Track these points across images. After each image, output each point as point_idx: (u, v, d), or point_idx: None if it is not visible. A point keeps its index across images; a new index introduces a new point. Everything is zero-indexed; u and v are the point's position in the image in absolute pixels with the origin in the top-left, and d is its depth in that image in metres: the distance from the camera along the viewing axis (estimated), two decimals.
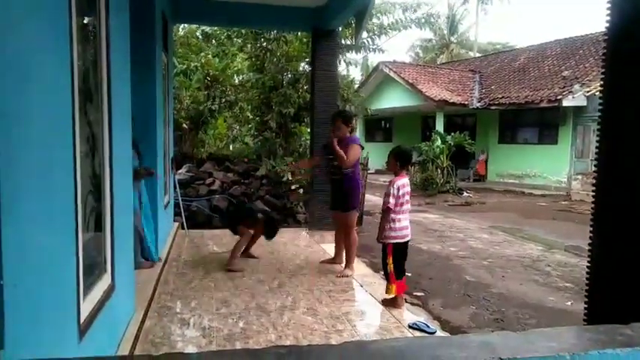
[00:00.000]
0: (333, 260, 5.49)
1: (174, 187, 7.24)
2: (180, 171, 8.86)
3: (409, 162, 4.48)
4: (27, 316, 1.51)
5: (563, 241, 7.81)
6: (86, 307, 2.23)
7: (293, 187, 9.35)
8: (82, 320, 2.13)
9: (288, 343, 3.31)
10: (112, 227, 2.79)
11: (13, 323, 1.35)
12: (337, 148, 4.99)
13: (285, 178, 9.17)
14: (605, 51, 1.56)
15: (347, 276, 5.00)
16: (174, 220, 7.32)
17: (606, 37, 1.55)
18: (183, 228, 7.10)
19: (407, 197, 4.21)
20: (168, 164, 6.66)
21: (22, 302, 1.46)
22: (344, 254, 5.33)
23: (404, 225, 4.19)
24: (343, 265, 5.28)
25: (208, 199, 8.35)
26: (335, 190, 5.30)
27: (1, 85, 1.35)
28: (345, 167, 5.02)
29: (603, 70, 1.57)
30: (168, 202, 6.63)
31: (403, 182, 4.21)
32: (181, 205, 7.24)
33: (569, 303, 4.88)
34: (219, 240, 6.63)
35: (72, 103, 2.03)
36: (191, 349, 3.22)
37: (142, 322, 3.55)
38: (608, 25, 1.54)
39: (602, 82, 1.58)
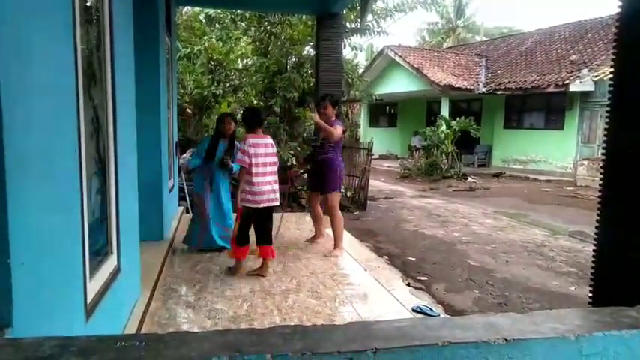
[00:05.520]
0: (314, 238, 5.70)
1: (178, 172, 7.25)
2: (184, 156, 8.86)
3: (256, 122, 4.32)
4: (34, 295, 1.52)
5: (568, 227, 7.80)
6: (92, 287, 2.26)
7: (297, 171, 9.33)
8: (88, 301, 2.15)
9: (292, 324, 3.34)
10: (117, 208, 2.80)
11: (21, 302, 1.37)
12: (321, 123, 5.09)
13: (289, 163, 9.16)
14: (616, 34, 1.53)
15: (336, 256, 5.10)
16: (178, 205, 7.35)
17: (619, 18, 1.52)
18: (187, 212, 7.13)
19: (261, 159, 4.13)
20: (173, 149, 6.66)
21: (30, 281, 1.47)
22: (323, 229, 5.63)
23: (260, 190, 4.13)
24: (325, 240, 5.54)
25: None
26: (315, 172, 5.39)
27: (6, 66, 1.34)
28: (333, 141, 5.11)
29: (614, 54, 1.54)
30: (173, 187, 6.64)
31: (256, 141, 4.11)
32: (185, 190, 7.26)
33: (573, 287, 4.88)
34: None
35: (76, 84, 2.02)
36: (196, 330, 3.26)
37: (148, 303, 3.59)
38: (620, 6, 1.50)
39: (612, 66, 1.55)
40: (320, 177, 5.28)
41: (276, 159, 4.40)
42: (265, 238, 4.41)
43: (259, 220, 4.36)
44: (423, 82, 18.20)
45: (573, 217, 8.68)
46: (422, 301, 4.06)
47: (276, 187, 4.35)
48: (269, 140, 4.37)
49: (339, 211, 5.34)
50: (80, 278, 2.06)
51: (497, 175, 13.74)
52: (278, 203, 4.43)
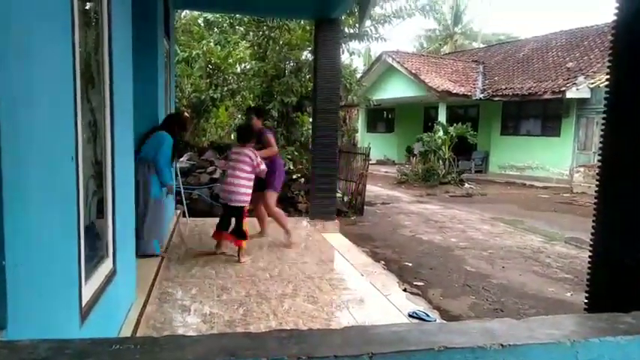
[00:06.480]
0: (260, 234, 6.04)
1: (176, 176, 7.23)
2: (181, 159, 8.85)
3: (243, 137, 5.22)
4: (28, 298, 1.51)
5: (564, 233, 7.82)
6: (88, 291, 2.24)
7: (294, 177, 9.34)
8: (83, 304, 2.14)
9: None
10: (113, 212, 2.79)
11: (15, 304, 1.36)
12: (265, 155, 5.42)
13: (286, 168, 9.16)
14: (612, 42, 1.54)
15: (291, 244, 5.56)
16: (175, 209, 7.33)
17: (615, 26, 1.53)
18: (184, 216, 7.11)
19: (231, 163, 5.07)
20: None
21: (24, 283, 1.47)
22: (267, 226, 6.02)
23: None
24: (271, 237, 5.90)
25: (210, 188, 8.35)
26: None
27: (4, 70, 1.34)
28: (274, 153, 5.61)
29: (610, 61, 1.55)
30: None
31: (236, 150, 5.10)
32: (182, 194, 7.24)
33: (569, 294, 4.89)
34: None
35: (74, 88, 2.02)
36: (192, 334, 3.24)
37: (143, 307, 3.57)
38: (617, 13, 1.52)
39: (608, 74, 1.56)
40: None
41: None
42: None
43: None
44: (420, 87, 18.28)
45: (569, 223, 8.71)
46: (418, 307, 4.06)
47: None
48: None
49: (275, 207, 5.74)
50: (76, 281, 2.05)
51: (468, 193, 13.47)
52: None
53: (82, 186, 2.11)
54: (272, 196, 5.67)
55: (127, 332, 3.03)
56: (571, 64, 16.32)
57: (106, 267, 2.68)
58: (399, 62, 19.31)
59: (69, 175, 1.98)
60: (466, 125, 15.81)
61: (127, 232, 3.28)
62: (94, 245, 2.55)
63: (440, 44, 34.88)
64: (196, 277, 4.45)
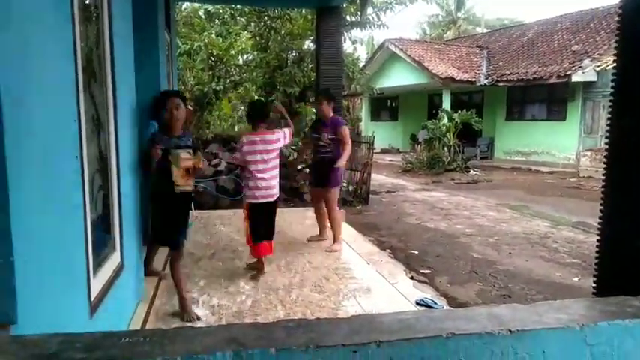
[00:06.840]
0: (320, 236, 5.58)
1: None
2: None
3: (260, 116, 4.32)
4: (38, 292, 1.53)
5: (571, 218, 7.78)
6: (96, 284, 2.26)
7: (299, 168, 9.33)
8: (92, 297, 2.16)
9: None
10: (119, 206, 2.80)
11: (25, 298, 1.37)
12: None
13: (290, 158, 9.15)
14: (619, 22, 1.52)
15: (336, 250, 5.15)
16: None
17: (621, 6, 1.50)
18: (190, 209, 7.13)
19: (259, 156, 4.16)
20: None
21: (33, 278, 1.48)
22: (328, 229, 5.48)
23: (261, 185, 4.20)
24: (329, 239, 5.41)
25: (214, 180, 8.37)
26: (322, 167, 5.33)
27: (7, 67, 1.34)
28: (349, 151, 5.25)
29: (617, 42, 1.52)
30: None
31: (252, 139, 4.19)
32: None
33: (576, 278, 4.88)
34: (227, 220, 6.67)
35: (76, 83, 2.01)
36: (201, 326, 3.27)
37: (152, 300, 3.60)
38: None
39: (615, 55, 1.54)
40: (328, 172, 5.24)
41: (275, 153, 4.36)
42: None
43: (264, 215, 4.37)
44: (424, 74, 18.13)
45: (576, 208, 8.66)
46: (425, 294, 4.07)
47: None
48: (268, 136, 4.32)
49: (338, 206, 5.46)
50: (84, 275, 2.07)
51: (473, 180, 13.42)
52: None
53: (87, 182, 2.12)
54: (338, 193, 5.52)
55: (136, 325, 3.06)
56: (576, 46, 16.11)
57: (114, 260, 2.70)
58: (401, 49, 19.14)
59: (74, 172, 1.98)
60: (471, 112, 15.68)
61: (133, 225, 3.30)
62: (102, 240, 2.56)
63: (443, 30, 34.54)
64: (203, 269, 4.47)
